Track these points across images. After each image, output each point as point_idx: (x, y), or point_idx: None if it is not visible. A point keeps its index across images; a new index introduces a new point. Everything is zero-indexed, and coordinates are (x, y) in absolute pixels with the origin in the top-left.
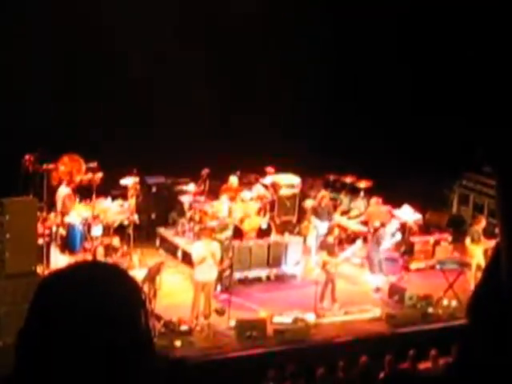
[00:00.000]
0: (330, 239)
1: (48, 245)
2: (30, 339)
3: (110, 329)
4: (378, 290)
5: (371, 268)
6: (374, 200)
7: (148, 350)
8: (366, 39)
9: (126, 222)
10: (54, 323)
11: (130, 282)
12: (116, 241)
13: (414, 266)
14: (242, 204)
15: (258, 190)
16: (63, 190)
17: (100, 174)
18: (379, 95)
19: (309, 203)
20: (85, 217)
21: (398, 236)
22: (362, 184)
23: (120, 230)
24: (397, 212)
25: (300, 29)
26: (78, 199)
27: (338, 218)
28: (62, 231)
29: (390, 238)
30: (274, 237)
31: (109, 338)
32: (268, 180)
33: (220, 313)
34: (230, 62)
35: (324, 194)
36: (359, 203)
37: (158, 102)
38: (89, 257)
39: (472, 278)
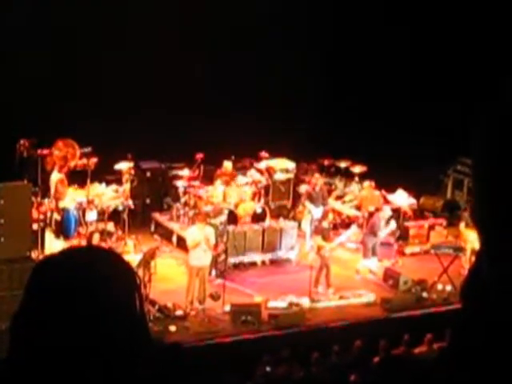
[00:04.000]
0: (325, 224)
1: (43, 230)
2: (24, 324)
3: (105, 313)
4: (371, 272)
5: (365, 253)
6: (366, 184)
7: (143, 335)
8: (360, 19)
9: (120, 207)
10: (47, 308)
11: (124, 266)
12: (111, 226)
13: (408, 250)
14: (236, 189)
15: (252, 174)
16: (56, 175)
17: (94, 159)
18: (375, 79)
19: (303, 188)
20: (79, 202)
21: (393, 225)
22: (357, 169)
23: (115, 215)
24: (391, 197)
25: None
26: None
27: (332, 202)
28: (57, 216)
29: (384, 226)
30: (268, 222)
31: (103, 322)
32: (262, 165)
33: (215, 298)
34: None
35: (318, 179)
36: (354, 188)
37: (154, 87)
38: (83, 242)
39: (466, 263)
